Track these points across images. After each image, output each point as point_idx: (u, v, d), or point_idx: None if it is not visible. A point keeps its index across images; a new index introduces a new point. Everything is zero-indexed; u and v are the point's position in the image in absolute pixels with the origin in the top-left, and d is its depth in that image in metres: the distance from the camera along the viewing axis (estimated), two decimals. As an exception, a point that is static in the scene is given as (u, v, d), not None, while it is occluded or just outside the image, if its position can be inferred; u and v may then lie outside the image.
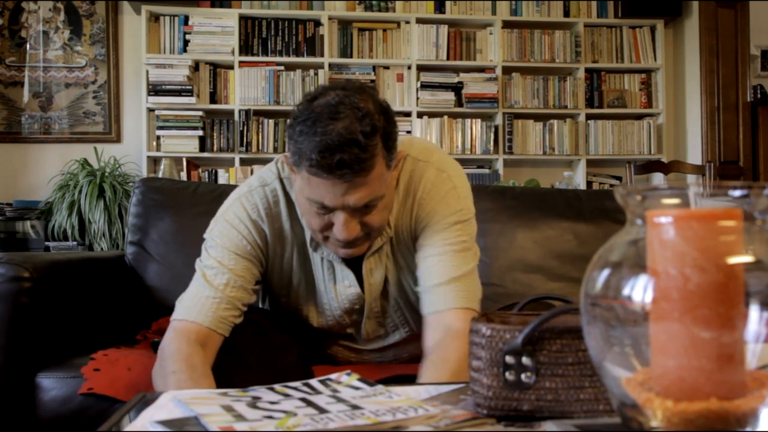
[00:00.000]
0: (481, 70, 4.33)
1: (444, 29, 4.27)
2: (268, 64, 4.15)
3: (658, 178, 4.19)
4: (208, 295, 1.17)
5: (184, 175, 3.96)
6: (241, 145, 4.08)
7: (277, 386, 0.87)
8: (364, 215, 1.10)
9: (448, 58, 4.29)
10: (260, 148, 4.11)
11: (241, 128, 4.08)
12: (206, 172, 4.13)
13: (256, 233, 1.22)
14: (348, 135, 1.01)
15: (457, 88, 4.27)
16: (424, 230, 1.22)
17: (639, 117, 4.50)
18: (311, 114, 1.04)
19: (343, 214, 1.08)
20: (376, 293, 1.28)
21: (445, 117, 4.25)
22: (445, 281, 1.17)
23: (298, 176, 1.10)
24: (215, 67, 4.17)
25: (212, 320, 1.15)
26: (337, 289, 1.27)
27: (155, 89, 4.00)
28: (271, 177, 1.26)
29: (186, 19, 4.12)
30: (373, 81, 4.22)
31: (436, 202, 1.22)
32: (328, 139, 1.00)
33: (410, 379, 1.25)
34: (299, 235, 1.25)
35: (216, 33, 4.12)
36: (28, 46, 4.12)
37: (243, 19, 4.16)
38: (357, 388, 0.86)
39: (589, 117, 4.41)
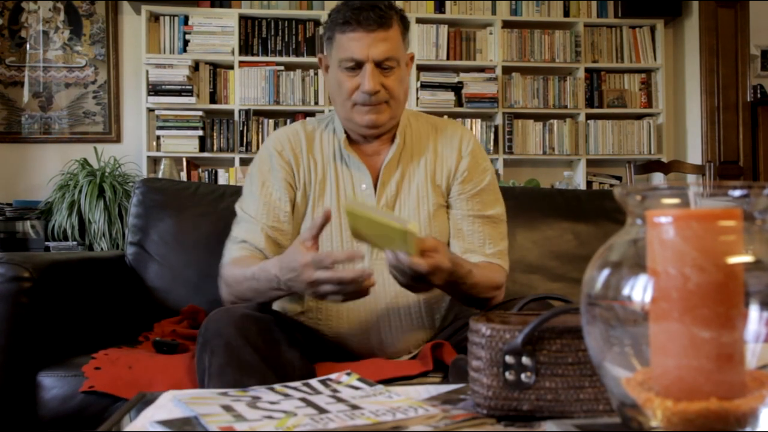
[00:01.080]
0: (481, 70, 4.33)
1: (444, 29, 4.27)
2: (268, 64, 4.15)
3: (658, 178, 4.19)
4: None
5: (184, 175, 3.96)
6: (241, 145, 4.08)
7: (277, 386, 0.87)
8: (384, 77, 1.36)
9: (448, 58, 4.29)
10: (260, 148, 4.10)
11: (241, 128, 4.08)
12: (206, 172, 4.12)
13: (289, 150, 1.46)
14: (370, 2, 1.34)
15: (457, 88, 4.27)
16: (474, 180, 1.46)
17: (639, 117, 4.50)
18: (340, 4, 1.38)
19: (369, 66, 1.34)
20: (389, 199, 1.43)
21: (445, 117, 4.24)
22: (499, 251, 1.45)
23: (333, 54, 1.39)
24: (215, 67, 4.17)
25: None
26: (355, 192, 1.43)
27: (155, 89, 4.00)
28: (291, 124, 1.54)
29: (186, 19, 4.12)
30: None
31: (476, 146, 1.50)
32: (356, 4, 1.34)
33: (410, 380, 1.26)
34: (322, 155, 1.47)
35: (216, 33, 4.12)
36: (28, 46, 4.12)
37: (243, 19, 4.16)
38: (357, 388, 0.86)
39: (589, 117, 4.41)
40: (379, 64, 1.35)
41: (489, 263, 1.41)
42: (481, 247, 1.43)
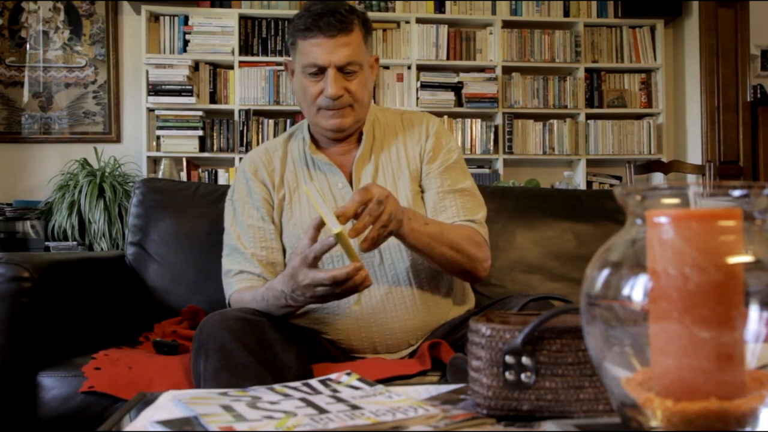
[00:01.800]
0: (481, 70, 4.33)
1: (444, 29, 4.28)
2: (268, 64, 4.15)
3: (658, 178, 4.19)
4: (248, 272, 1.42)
5: (184, 175, 3.96)
6: (241, 145, 4.08)
7: (277, 386, 0.87)
8: (347, 81, 1.38)
9: (448, 58, 4.29)
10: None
11: (241, 128, 4.08)
12: (206, 172, 4.12)
13: (263, 169, 1.48)
14: (331, 8, 1.36)
15: (457, 88, 4.27)
16: (440, 158, 1.48)
17: (639, 117, 4.50)
18: (302, 10, 1.39)
19: (332, 71, 1.36)
20: None
21: (445, 117, 4.25)
22: (479, 218, 1.47)
23: (297, 59, 1.41)
24: (215, 67, 4.17)
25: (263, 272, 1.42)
26: (332, 192, 1.45)
27: (155, 89, 4.00)
28: (263, 143, 1.55)
29: (186, 19, 4.12)
30: (373, 81, 4.22)
31: (441, 128, 1.52)
32: (317, 10, 1.36)
33: (408, 379, 1.26)
34: (294, 164, 1.49)
35: (216, 33, 4.12)
36: (28, 46, 4.12)
37: (243, 19, 4.16)
38: (357, 388, 0.86)
39: (589, 117, 4.41)
40: (341, 69, 1.37)
41: (459, 225, 1.43)
42: (458, 219, 1.45)
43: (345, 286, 1.13)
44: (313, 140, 1.50)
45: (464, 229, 1.40)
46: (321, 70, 1.37)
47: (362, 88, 1.41)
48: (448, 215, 1.44)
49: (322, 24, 1.34)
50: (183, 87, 4.01)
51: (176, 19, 4.13)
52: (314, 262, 1.15)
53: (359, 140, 1.48)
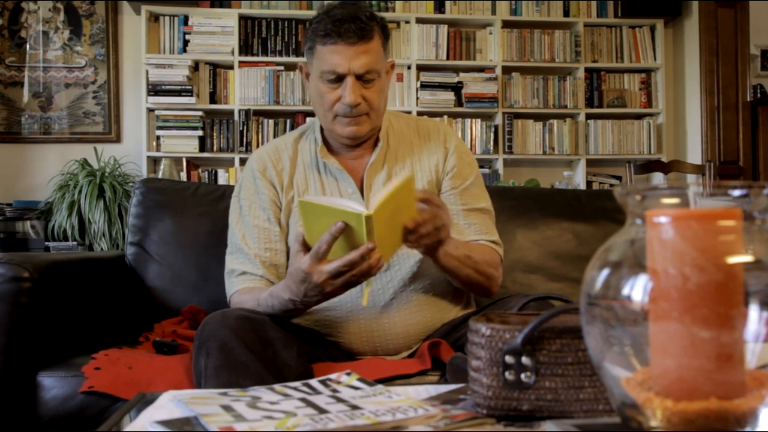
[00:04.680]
0: (481, 69, 4.33)
1: (444, 29, 4.27)
2: (267, 64, 4.15)
3: (658, 178, 4.19)
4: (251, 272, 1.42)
5: (184, 176, 3.96)
6: (241, 145, 4.08)
7: (276, 386, 0.87)
8: (365, 89, 1.37)
9: (447, 58, 4.29)
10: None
11: (240, 128, 4.08)
12: (206, 172, 4.12)
13: (272, 168, 1.48)
14: (351, 14, 1.34)
15: (457, 88, 4.27)
16: (462, 176, 1.49)
17: (639, 117, 4.50)
18: (321, 13, 1.37)
19: (350, 79, 1.35)
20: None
21: (445, 117, 4.25)
22: (494, 240, 1.49)
23: (314, 64, 1.39)
24: (215, 67, 4.17)
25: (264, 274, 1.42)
26: (342, 197, 1.43)
27: (155, 89, 4.00)
28: (273, 139, 1.55)
29: (186, 19, 4.12)
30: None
31: (459, 143, 1.53)
32: (337, 15, 1.34)
33: (408, 378, 1.26)
34: (304, 166, 1.48)
35: (216, 33, 4.11)
36: (27, 46, 4.12)
37: (243, 19, 4.16)
38: (357, 388, 0.86)
39: (588, 117, 4.41)
40: (360, 77, 1.36)
41: (481, 245, 1.46)
42: (479, 238, 1.47)
43: (361, 268, 1.14)
44: (325, 143, 1.49)
45: (487, 251, 1.44)
46: (339, 78, 1.36)
47: (379, 96, 1.40)
48: (469, 233, 1.46)
49: (342, 31, 1.32)
50: (183, 87, 4.01)
51: (176, 19, 4.13)
52: (325, 256, 1.15)
53: (374, 146, 1.48)
